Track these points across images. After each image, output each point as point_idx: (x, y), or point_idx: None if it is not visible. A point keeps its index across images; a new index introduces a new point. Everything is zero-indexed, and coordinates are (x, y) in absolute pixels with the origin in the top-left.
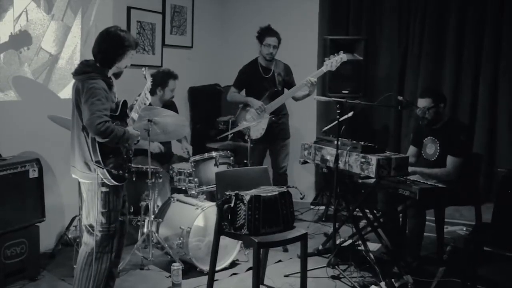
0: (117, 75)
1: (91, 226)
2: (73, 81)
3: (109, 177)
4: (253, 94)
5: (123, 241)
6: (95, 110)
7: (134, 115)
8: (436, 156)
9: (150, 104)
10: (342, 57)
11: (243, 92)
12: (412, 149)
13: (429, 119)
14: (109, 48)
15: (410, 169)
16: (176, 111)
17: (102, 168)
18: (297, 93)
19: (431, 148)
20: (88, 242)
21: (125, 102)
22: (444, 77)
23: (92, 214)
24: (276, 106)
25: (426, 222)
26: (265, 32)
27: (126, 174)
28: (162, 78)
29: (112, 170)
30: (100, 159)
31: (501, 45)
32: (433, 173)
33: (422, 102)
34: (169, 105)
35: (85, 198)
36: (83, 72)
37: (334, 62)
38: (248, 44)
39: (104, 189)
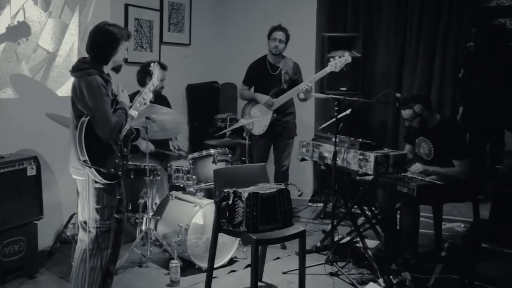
0: (116, 69)
1: (85, 222)
2: (71, 78)
3: (99, 176)
4: (261, 90)
5: (120, 238)
6: (103, 113)
7: (133, 112)
8: (432, 156)
9: (151, 101)
10: (346, 58)
11: (253, 88)
12: (408, 147)
13: (417, 126)
14: (102, 44)
15: (418, 167)
16: (169, 106)
17: (90, 167)
18: (300, 95)
19: (424, 147)
20: (83, 239)
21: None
22: (440, 74)
23: (86, 209)
24: (280, 103)
25: (424, 219)
26: (274, 28)
27: (120, 173)
28: (148, 69)
29: (101, 169)
30: (87, 158)
31: None
32: (447, 173)
33: (405, 113)
34: (161, 98)
35: (80, 194)
36: (80, 69)
37: (338, 63)
38: (246, 41)
39: (97, 185)
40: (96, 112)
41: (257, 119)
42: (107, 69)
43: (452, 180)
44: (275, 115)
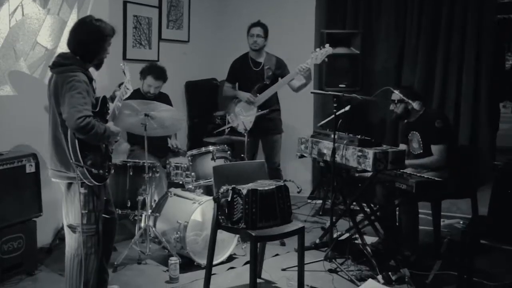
0: (97, 66)
1: (70, 226)
2: None
3: (89, 177)
4: (244, 87)
5: (113, 236)
6: (75, 104)
7: (117, 103)
8: (421, 148)
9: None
10: (327, 50)
11: (237, 86)
12: (402, 147)
13: (398, 113)
14: (90, 42)
15: None
16: (170, 104)
17: (82, 167)
18: (294, 83)
19: (415, 142)
20: (70, 243)
21: (104, 98)
22: (437, 71)
23: (71, 214)
24: (265, 97)
25: (423, 216)
26: (252, 24)
27: (107, 174)
28: (143, 70)
29: (92, 169)
30: (80, 158)
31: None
32: (423, 162)
33: (394, 95)
34: (162, 96)
35: (63, 198)
36: (61, 64)
37: (319, 55)
38: (245, 38)
39: (82, 190)
40: (69, 99)
41: (245, 117)
42: (90, 67)
43: (430, 169)
44: (260, 111)
